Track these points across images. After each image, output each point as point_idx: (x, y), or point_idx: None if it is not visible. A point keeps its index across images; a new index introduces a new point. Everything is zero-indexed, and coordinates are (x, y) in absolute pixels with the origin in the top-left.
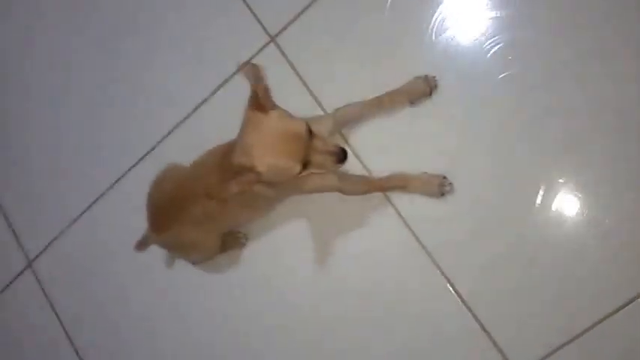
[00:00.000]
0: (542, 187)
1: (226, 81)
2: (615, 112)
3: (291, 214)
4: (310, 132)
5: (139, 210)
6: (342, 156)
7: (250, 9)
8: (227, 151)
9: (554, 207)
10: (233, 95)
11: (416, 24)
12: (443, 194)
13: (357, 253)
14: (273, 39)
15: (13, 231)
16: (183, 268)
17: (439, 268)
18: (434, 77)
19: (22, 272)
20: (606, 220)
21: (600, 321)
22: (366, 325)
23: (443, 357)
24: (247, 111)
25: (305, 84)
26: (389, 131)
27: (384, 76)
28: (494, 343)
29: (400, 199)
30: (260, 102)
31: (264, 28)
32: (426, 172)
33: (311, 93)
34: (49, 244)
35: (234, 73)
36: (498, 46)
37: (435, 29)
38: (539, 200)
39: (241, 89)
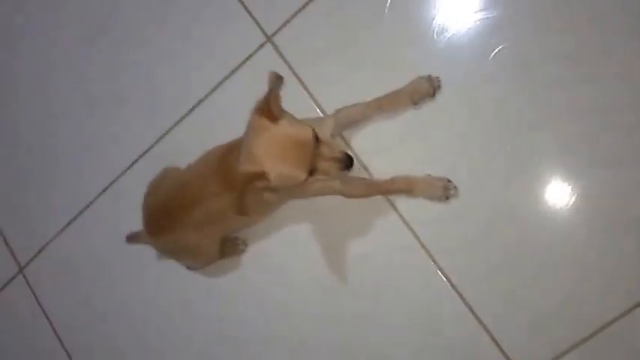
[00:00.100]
0: (548, 188)
1: (222, 82)
2: (620, 111)
3: (292, 218)
4: (317, 138)
5: (132, 214)
6: (348, 163)
7: (246, 8)
8: (225, 153)
9: (561, 209)
10: (228, 96)
11: (416, 23)
12: (448, 198)
13: (359, 257)
14: (269, 39)
15: (4, 237)
16: (178, 273)
17: (442, 271)
18: (437, 77)
19: (14, 277)
20: (617, 223)
21: (612, 322)
22: (368, 329)
23: None
24: (253, 117)
25: (303, 84)
26: (390, 132)
27: (383, 76)
28: (500, 349)
29: (402, 201)
30: (270, 109)
31: (261, 28)
32: (429, 175)
33: (309, 94)
34: (41, 249)
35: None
36: (502, 46)
37: (436, 29)
38: (545, 202)
39: (237, 91)
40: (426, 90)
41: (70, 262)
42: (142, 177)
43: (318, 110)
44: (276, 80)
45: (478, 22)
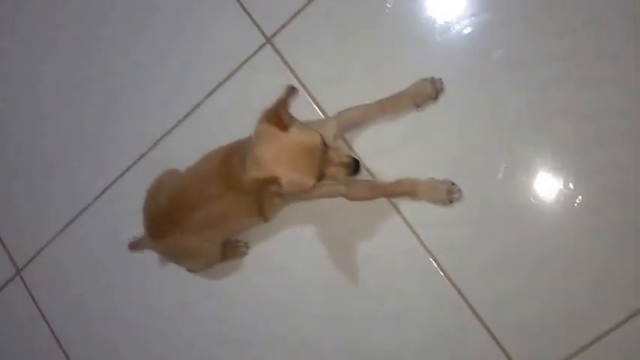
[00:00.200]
0: (553, 191)
1: (222, 83)
2: (619, 117)
3: (294, 220)
4: (325, 144)
5: (131, 217)
6: (355, 168)
7: (245, 9)
8: (226, 155)
9: (565, 212)
10: (228, 98)
11: (417, 24)
12: (451, 201)
13: (361, 259)
14: (269, 40)
15: (1, 238)
16: (178, 276)
17: (444, 272)
18: (440, 79)
19: (11, 279)
20: (620, 227)
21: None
22: (370, 331)
23: None
24: (261, 124)
25: (303, 86)
26: (393, 135)
27: (384, 77)
28: (503, 350)
29: (406, 204)
30: (280, 117)
31: (260, 29)
32: (432, 178)
33: (310, 95)
34: (39, 251)
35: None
36: (504, 47)
37: (438, 30)
38: (549, 204)
39: (237, 92)
40: (428, 92)
41: (68, 264)
42: (142, 178)
43: (318, 111)
44: (291, 92)
45: (479, 24)
